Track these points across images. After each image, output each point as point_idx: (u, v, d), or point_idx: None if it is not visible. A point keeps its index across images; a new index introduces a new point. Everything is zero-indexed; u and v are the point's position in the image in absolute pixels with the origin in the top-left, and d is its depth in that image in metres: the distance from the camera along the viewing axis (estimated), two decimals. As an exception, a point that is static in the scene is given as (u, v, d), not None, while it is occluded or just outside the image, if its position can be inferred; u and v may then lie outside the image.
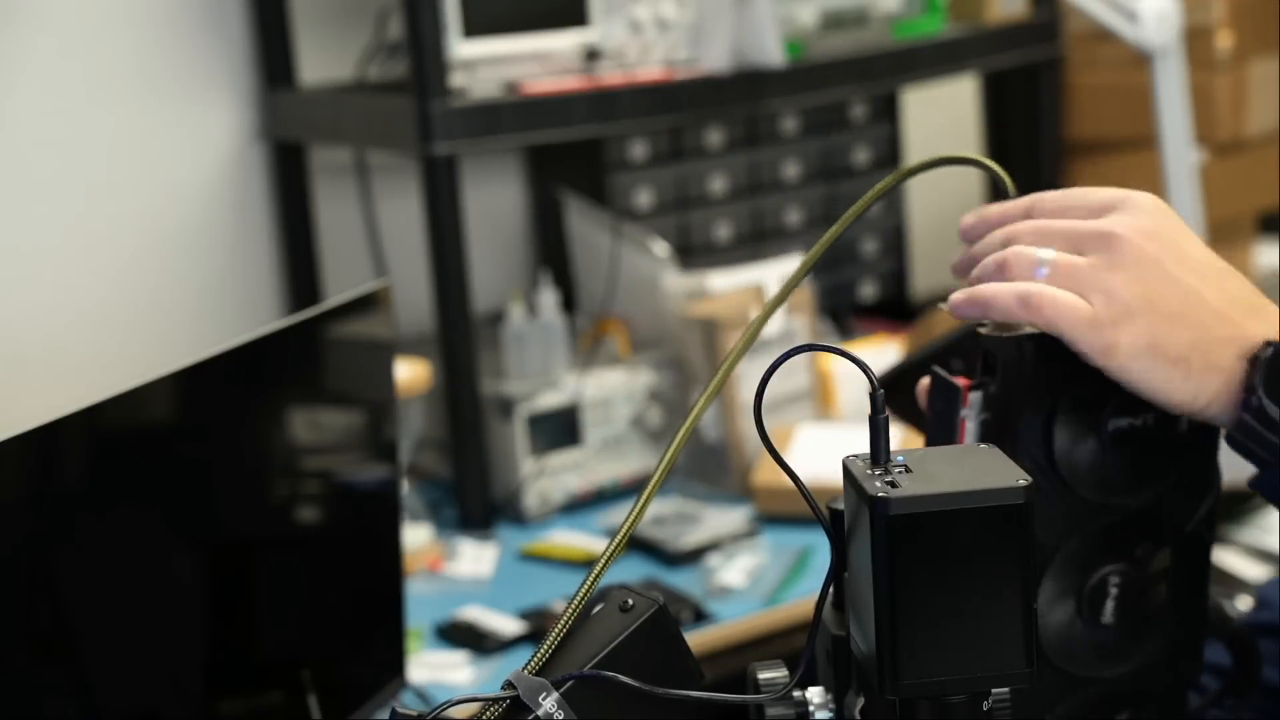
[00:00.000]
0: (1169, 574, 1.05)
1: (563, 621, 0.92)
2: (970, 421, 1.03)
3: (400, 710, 0.88)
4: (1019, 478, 0.83)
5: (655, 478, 0.94)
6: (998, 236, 1.05)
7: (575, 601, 0.92)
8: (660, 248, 2.58)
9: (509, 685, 0.89)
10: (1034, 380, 1.01)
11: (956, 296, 1.02)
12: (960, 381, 1.04)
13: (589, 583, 0.93)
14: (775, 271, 2.54)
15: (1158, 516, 1.05)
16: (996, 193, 1.11)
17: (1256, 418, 0.98)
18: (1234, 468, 2.36)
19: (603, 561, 0.93)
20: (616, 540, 0.93)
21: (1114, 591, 1.04)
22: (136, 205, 2.47)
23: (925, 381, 1.07)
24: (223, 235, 2.55)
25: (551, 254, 2.78)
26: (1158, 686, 1.07)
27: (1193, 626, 1.08)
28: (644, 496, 0.94)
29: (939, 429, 1.05)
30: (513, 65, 2.31)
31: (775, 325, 2.52)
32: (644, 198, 2.81)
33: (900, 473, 0.84)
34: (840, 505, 0.91)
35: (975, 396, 1.04)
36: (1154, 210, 1.02)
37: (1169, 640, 1.06)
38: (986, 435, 1.03)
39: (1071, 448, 1.02)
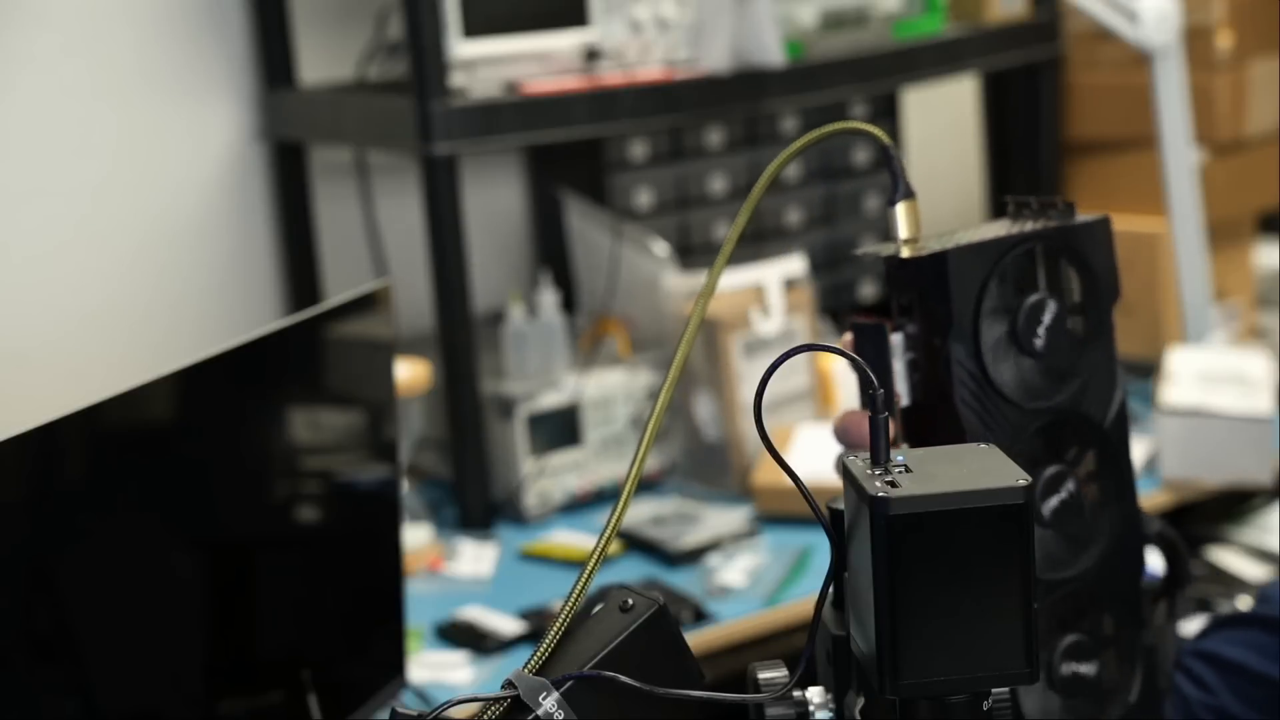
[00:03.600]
0: (1096, 477, 1.13)
1: (560, 620, 0.92)
2: (898, 361, 1.09)
3: (400, 710, 0.88)
4: (1019, 477, 0.83)
5: (639, 455, 0.95)
6: None
7: (571, 600, 0.92)
8: (660, 248, 2.58)
9: (509, 685, 0.89)
10: (957, 290, 1.07)
11: None
12: (885, 323, 1.09)
13: (583, 580, 0.93)
14: (775, 271, 2.54)
15: (1079, 416, 1.11)
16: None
17: None
18: (1233, 467, 2.37)
19: (595, 557, 0.93)
20: (607, 533, 0.93)
21: (1059, 493, 1.10)
22: (137, 205, 2.47)
23: (847, 336, 1.12)
24: (223, 235, 2.55)
25: (551, 254, 2.78)
26: (1111, 585, 1.13)
27: (1128, 524, 1.14)
28: (631, 475, 0.94)
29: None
30: (513, 65, 2.31)
31: (775, 325, 2.52)
32: (644, 198, 2.81)
33: (900, 472, 0.84)
34: (840, 505, 0.91)
35: (897, 338, 1.09)
36: None
37: (1109, 539, 1.13)
38: (914, 373, 1.09)
39: (997, 358, 1.08)
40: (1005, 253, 1.09)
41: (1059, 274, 1.11)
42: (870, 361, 1.08)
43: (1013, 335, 1.09)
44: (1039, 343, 1.09)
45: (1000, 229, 1.11)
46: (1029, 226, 1.11)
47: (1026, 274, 1.10)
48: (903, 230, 1.11)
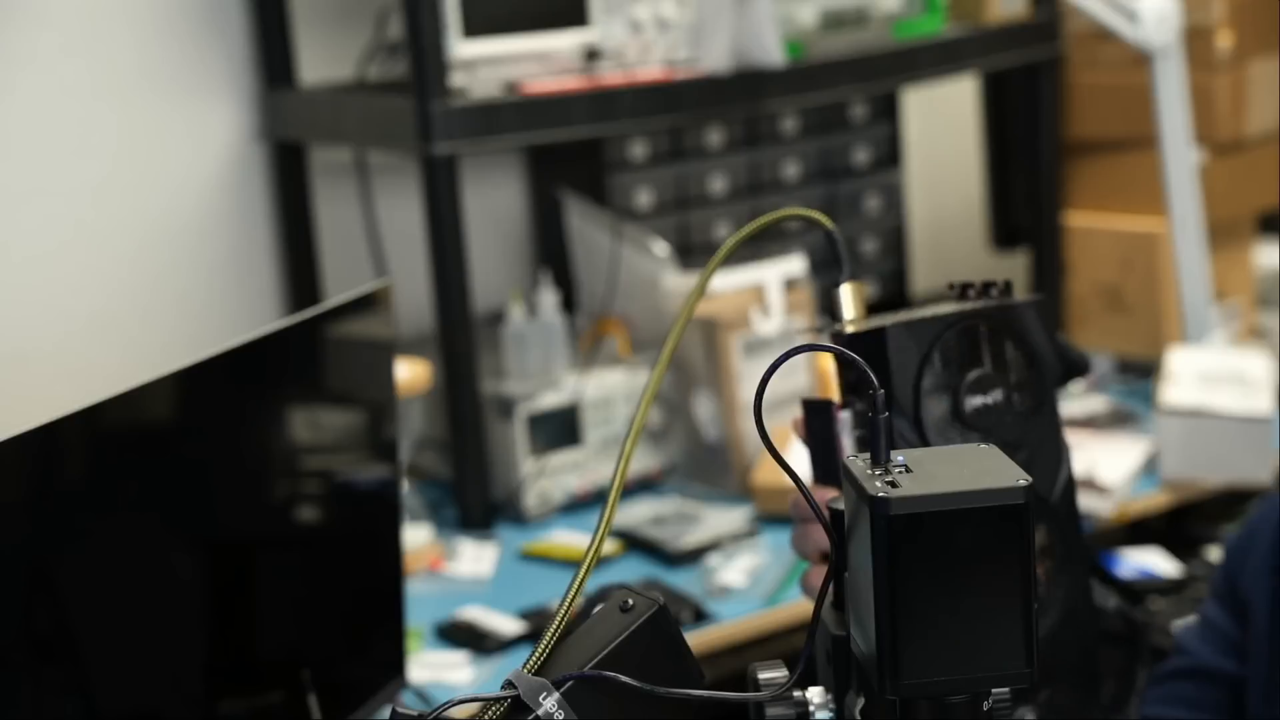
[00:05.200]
0: (1045, 552, 1.13)
1: (557, 621, 0.92)
2: (845, 437, 1.11)
3: (400, 710, 0.88)
4: (1019, 478, 0.83)
5: (626, 449, 0.95)
6: None
7: (566, 602, 0.92)
8: (660, 248, 2.58)
9: (509, 685, 0.89)
10: (896, 366, 1.09)
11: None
12: (833, 401, 1.12)
13: (577, 583, 0.93)
14: (775, 271, 2.54)
15: None
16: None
17: None
18: (1233, 467, 2.37)
19: (590, 554, 0.93)
20: (601, 532, 0.93)
21: None
22: (137, 205, 2.47)
23: (798, 414, 1.14)
24: (223, 235, 2.55)
25: (551, 254, 2.78)
26: (1063, 659, 1.13)
27: (1080, 597, 1.14)
28: (619, 472, 0.94)
29: (820, 449, 1.12)
30: (513, 65, 2.31)
31: (775, 325, 2.52)
32: (644, 198, 2.81)
33: (900, 472, 0.84)
34: (840, 505, 0.91)
35: (845, 414, 1.11)
36: None
37: (1060, 613, 1.13)
38: (860, 447, 1.11)
39: (939, 433, 1.10)
40: (944, 330, 1.11)
41: (1000, 351, 1.13)
42: (819, 437, 1.12)
43: (955, 410, 1.11)
44: (980, 418, 1.11)
45: (942, 309, 1.14)
46: (971, 305, 1.14)
47: (966, 351, 1.12)
48: (847, 310, 1.15)
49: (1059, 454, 1.15)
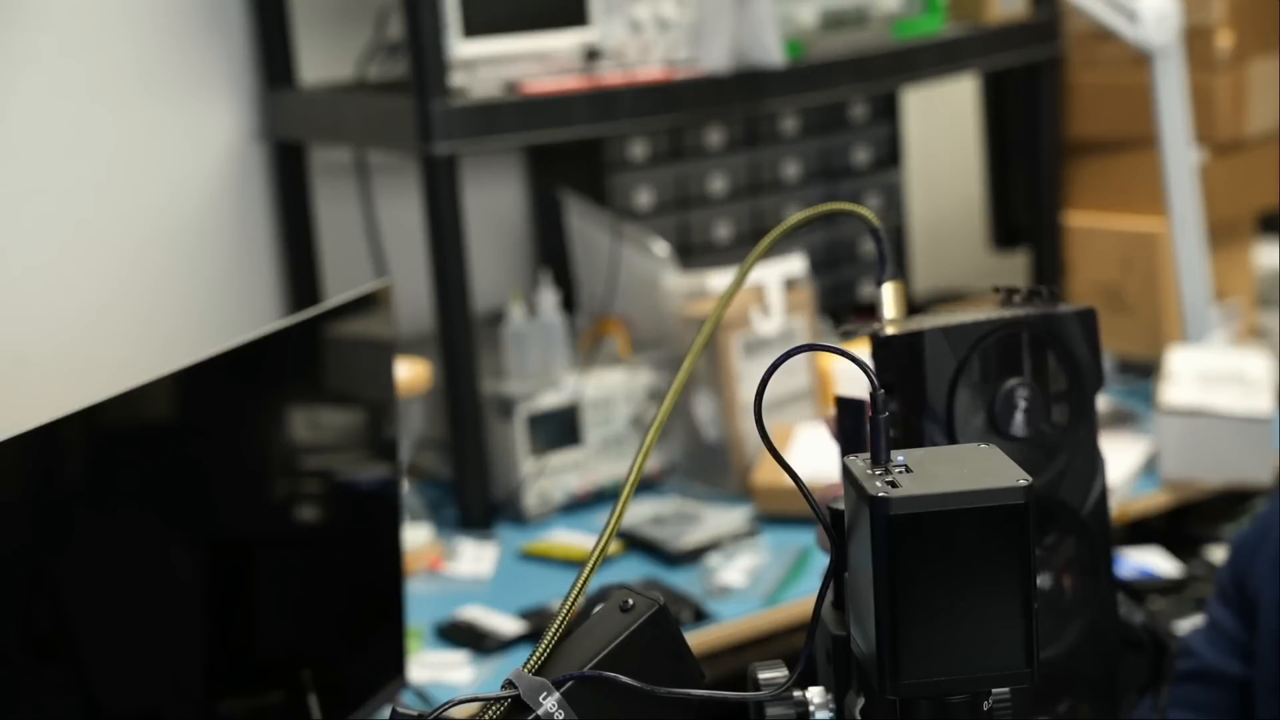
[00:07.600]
0: (1074, 564, 1.13)
1: (558, 621, 0.92)
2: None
3: (400, 710, 0.88)
4: (1019, 478, 0.83)
5: (641, 454, 0.95)
6: None
7: (569, 600, 0.92)
8: (660, 248, 2.58)
9: (509, 685, 0.89)
10: (931, 371, 1.08)
11: None
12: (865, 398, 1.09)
13: (580, 582, 0.93)
14: (775, 271, 2.54)
15: (1058, 503, 1.12)
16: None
17: None
18: (1233, 467, 2.37)
19: (595, 557, 0.93)
20: (608, 532, 0.93)
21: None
22: (137, 205, 2.47)
23: (831, 412, 1.13)
24: (223, 235, 2.55)
25: (551, 254, 2.78)
26: (1082, 673, 1.12)
27: (1104, 613, 1.14)
28: (633, 475, 0.94)
29: (850, 447, 1.10)
30: (513, 65, 2.31)
31: (775, 325, 2.52)
32: (644, 198, 2.81)
33: (901, 472, 0.84)
34: (840, 505, 0.91)
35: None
36: None
37: (1082, 628, 1.12)
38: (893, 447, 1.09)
39: (971, 440, 1.08)
40: (984, 337, 1.10)
41: (1040, 360, 1.12)
42: (850, 433, 1.10)
43: (989, 418, 1.10)
44: (1014, 427, 1.10)
45: (984, 313, 1.12)
46: (1014, 312, 1.12)
47: (1005, 358, 1.11)
48: (888, 310, 1.13)
49: (1094, 467, 1.14)
